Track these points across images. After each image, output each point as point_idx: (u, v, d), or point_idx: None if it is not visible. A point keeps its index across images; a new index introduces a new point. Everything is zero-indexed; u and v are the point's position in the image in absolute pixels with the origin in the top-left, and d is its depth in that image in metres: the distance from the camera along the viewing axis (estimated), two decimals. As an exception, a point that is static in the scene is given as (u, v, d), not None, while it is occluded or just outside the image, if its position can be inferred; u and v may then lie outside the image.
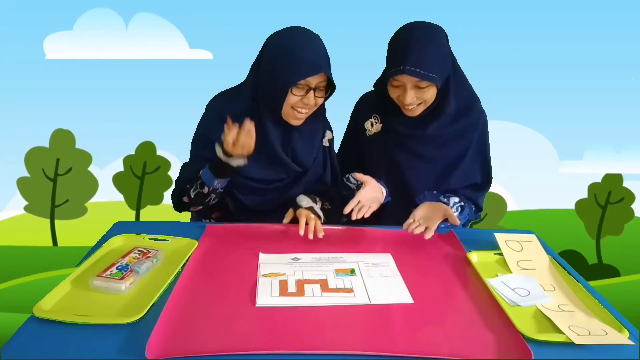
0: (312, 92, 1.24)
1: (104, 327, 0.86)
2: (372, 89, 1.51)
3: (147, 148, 2.63)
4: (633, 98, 2.49)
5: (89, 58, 2.40)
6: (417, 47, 1.24)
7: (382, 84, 1.38)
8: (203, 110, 1.41)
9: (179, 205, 1.42)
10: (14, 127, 2.48)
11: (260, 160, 1.31)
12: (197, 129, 1.40)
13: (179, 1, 2.38)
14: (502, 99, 1.36)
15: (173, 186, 1.46)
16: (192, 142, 1.41)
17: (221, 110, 1.31)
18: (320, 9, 2.33)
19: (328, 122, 1.46)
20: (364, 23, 2.34)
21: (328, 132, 1.45)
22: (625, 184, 2.64)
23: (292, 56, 1.21)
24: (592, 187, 2.67)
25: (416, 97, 1.28)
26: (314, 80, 1.23)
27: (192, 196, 1.30)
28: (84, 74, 2.43)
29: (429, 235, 1.23)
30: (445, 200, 1.38)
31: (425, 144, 1.41)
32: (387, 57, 1.32)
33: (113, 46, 2.40)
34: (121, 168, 2.64)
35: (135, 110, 2.48)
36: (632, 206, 2.65)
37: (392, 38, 1.32)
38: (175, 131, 2.44)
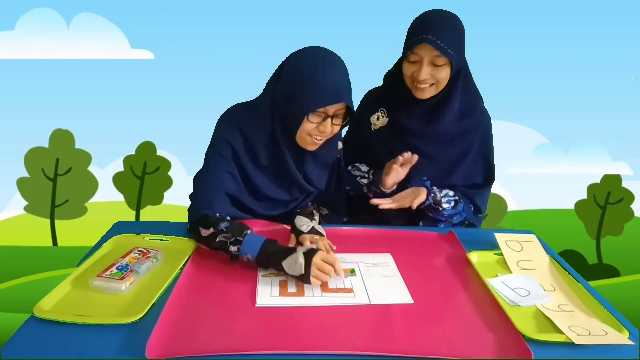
0: (329, 119, 1.17)
1: (104, 327, 0.86)
2: (373, 87, 1.51)
3: (147, 148, 2.63)
4: (633, 98, 2.49)
5: (31, 58, 2.41)
6: (439, 22, 1.28)
7: (393, 74, 1.39)
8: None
9: (192, 233, 1.20)
10: (13, 127, 2.48)
11: (274, 179, 1.28)
12: (216, 142, 1.27)
13: (120, 1, 2.37)
14: (502, 98, 1.36)
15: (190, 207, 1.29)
16: (209, 156, 1.27)
17: (246, 131, 1.23)
18: (268, 8, 2.34)
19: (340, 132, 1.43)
20: (359, 23, 2.36)
21: (339, 143, 1.40)
22: (625, 184, 2.65)
23: (312, 83, 1.13)
24: (591, 188, 2.67)
25: (430, 74, 1.29)
26: (332, 108, 1.16)
27: (216, 241, 1.11)
28: (83, 74, 2.44)
29: (386, 205, 1.32)
30: (435, 189, 1.39)
31: (430, 142, 1.41)
32: (406, 37, 1.33)
33: (54, 46, 2.40)
34: (121, 168, 2.64)
35: (137, 111, 2.48)
36: (632, 206, 2.66)
37: (413, 20, 1.33)
38: (175, 131, 2.45)
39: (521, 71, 2.44)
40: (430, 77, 1.30)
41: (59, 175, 2.61)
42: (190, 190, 1.33)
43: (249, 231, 1.11)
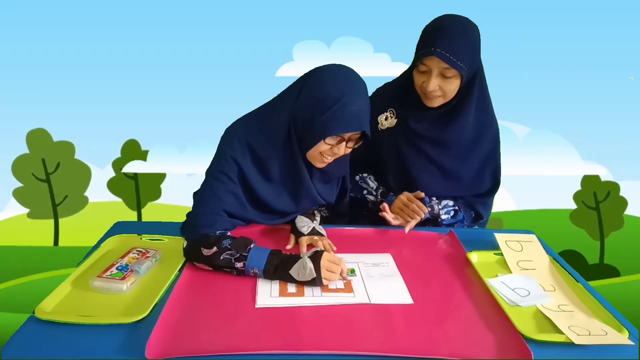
0: (344, 142, 1.17)
1: (104, 327, 0.87)
2: (382, 85, 1.49)
3: (131, 147, 2.62)
4: (632, 97, 2.50)
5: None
6: (449, 33, 1.24)
7: (405, 77, 1.37)
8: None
9: (191, 253, 1.13)
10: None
11: (285, 192, 1.26)
12: (221, 159, 1.20)
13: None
14: (502, 99, 1.36)
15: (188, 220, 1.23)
16: (212, 173, 1.21)
17: (255, 146, 1.19)
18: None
19: None
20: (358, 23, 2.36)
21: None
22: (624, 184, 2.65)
23: (337, 108, 1.11)
24: (577, 195, 2.68)
25: (439, 85, 1.27)
26: (351, 133, 1.16)
27: (221, 259, 1.08)
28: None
29: (390, 220, 1.32)
30: (434, 202, 1.39)
31: (439, 148, 1.39)
32: (418, 43, 1.31)
33: None
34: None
35: (123, 112, 2.49)
36: (621, 194, 2.66)
37: (426, 26, 1.31)
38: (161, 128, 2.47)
39: (522, 71, 2.44)
40: (439, 89, 1.28)
41: (51, 174, 2.60)
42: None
43: (252, 245, 1.10)
